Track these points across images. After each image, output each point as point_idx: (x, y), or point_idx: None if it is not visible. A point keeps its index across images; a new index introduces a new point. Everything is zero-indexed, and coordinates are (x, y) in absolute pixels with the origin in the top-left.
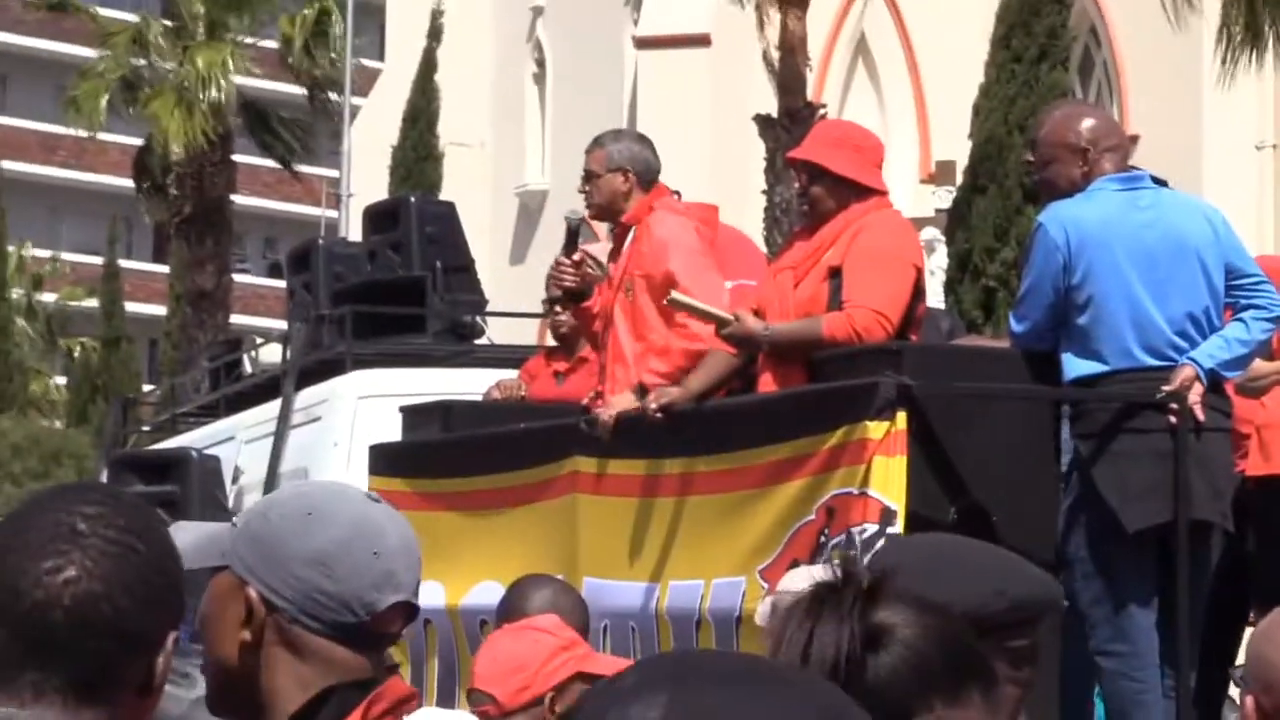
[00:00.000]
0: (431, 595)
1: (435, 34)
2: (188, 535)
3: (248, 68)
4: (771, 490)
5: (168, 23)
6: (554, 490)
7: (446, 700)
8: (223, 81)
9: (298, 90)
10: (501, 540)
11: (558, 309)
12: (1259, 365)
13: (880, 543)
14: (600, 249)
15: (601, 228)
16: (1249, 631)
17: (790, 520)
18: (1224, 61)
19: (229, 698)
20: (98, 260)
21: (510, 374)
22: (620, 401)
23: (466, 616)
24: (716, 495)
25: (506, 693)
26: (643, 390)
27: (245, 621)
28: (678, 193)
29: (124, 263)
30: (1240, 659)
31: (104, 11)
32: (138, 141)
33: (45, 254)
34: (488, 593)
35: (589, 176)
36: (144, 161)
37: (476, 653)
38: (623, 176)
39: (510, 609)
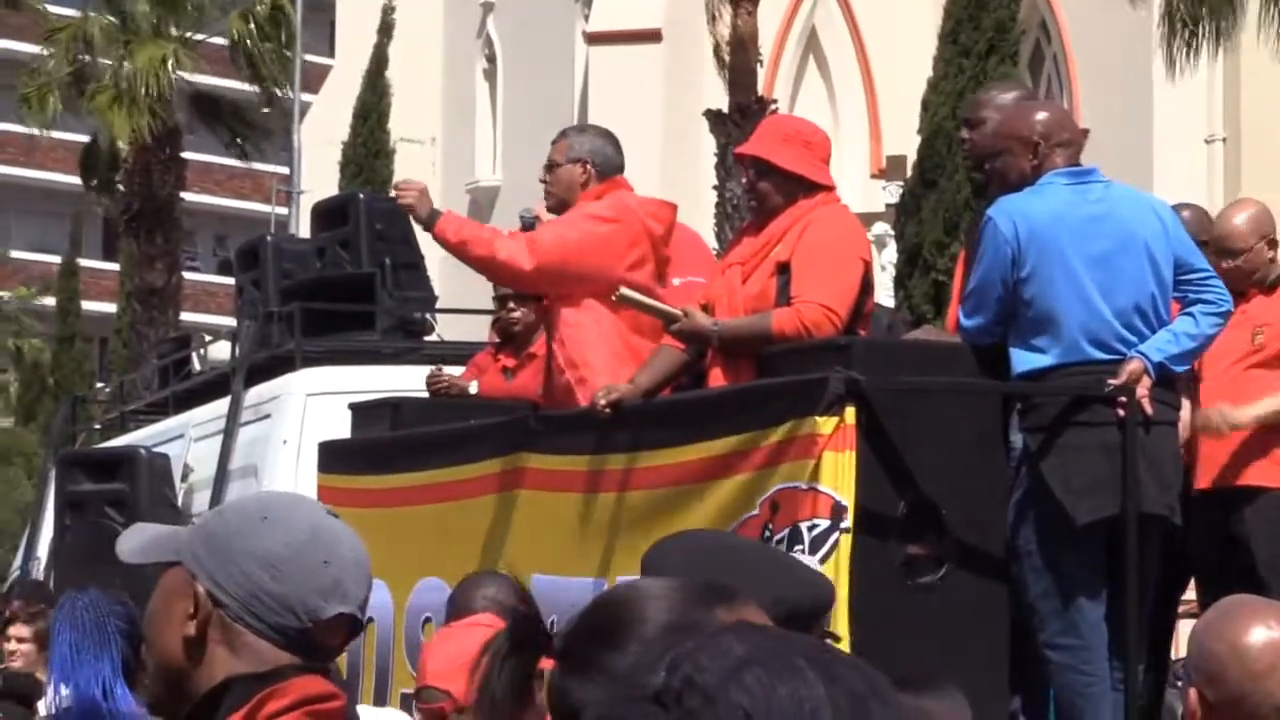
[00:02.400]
0: (376, 593)
1: (386, 30)
2: (143, 535)
3: (194, 64)
4: (716, 484)
5: (112, 19)
6: (502, 486)
7: (380, 698)
8: (163, 78)
9: (248, 87)
10: (447, 537)
11: (511, 305)
12: (1239, 413)
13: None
14: None
15: None
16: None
17: (735, 514)
18: (1169, 55)
19: (169, 696)
20: (47, 258)
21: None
22: (618, 388)
23: (410, 614)
24: (661, 489)
25: (462, 689)
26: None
27: (191, 615)
28: (631, 190)
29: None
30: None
31: (53, 9)
32: (86, 138)
33: None
34: (431, 589)
35: (551, 167)
36: (90, 158)
37: (424, 650)
38: (581, 168)
39: (459, 605)
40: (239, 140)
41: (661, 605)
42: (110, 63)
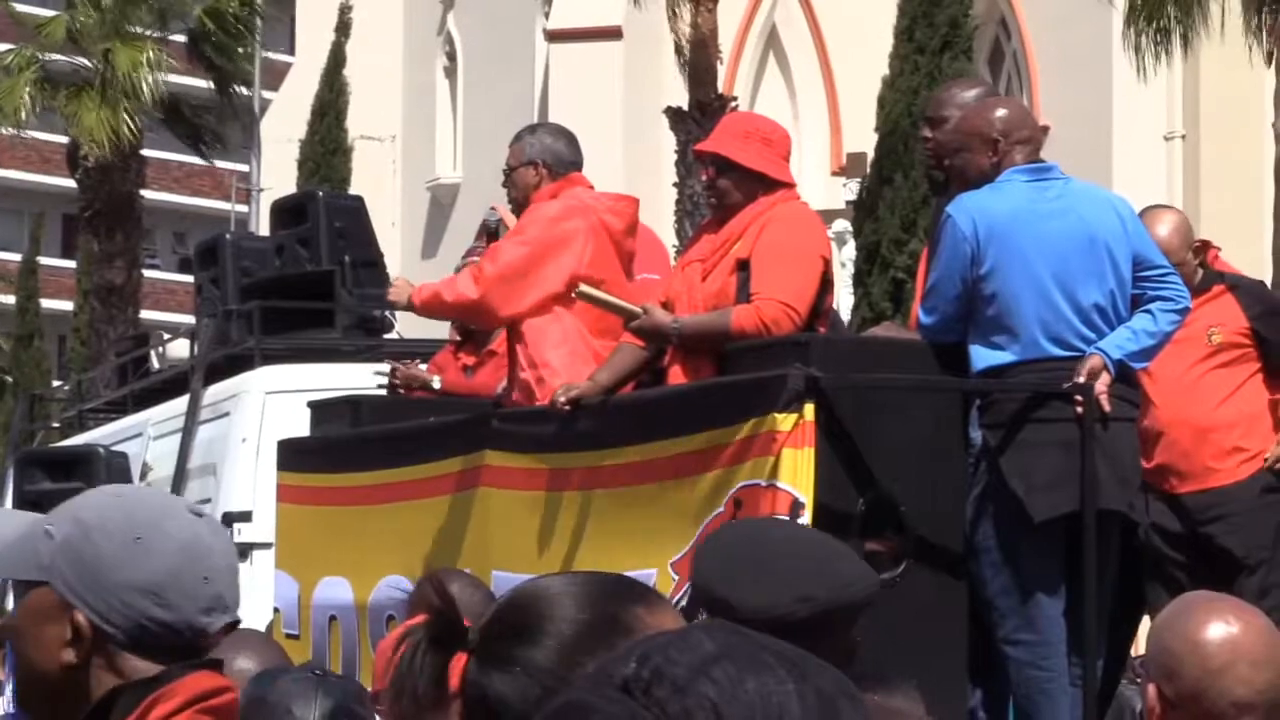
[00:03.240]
0: (338, 591)
1: (343, 28)
2: None
3: (164, 62)
4: (682, 483)
5: (83, 18)
6: (462, 484)
7: None
8: (146, 81)
9: (207, 84)
10: (409, 535)
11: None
12: None
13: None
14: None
15: None
16: (1146, 621)
17: (702, 513)
18: (1131, 53)
19: (43, 705)
20: (4, 256)
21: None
22: (576, 386)
23: (373, 611)
24: (626, 488)
25: None
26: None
27: (69, 642)
28: (590, 186)
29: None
30: (1136, 649)
31: (19, 7)
32: (48, 137)
33: None
34: (393, 588)
35: (508, 171)
36: (75, 157)
37: (379, 651)
38: (534, 169)
39: (416, 604)
40: (202, 143)
41: (574, 601)
42: (87, 63)
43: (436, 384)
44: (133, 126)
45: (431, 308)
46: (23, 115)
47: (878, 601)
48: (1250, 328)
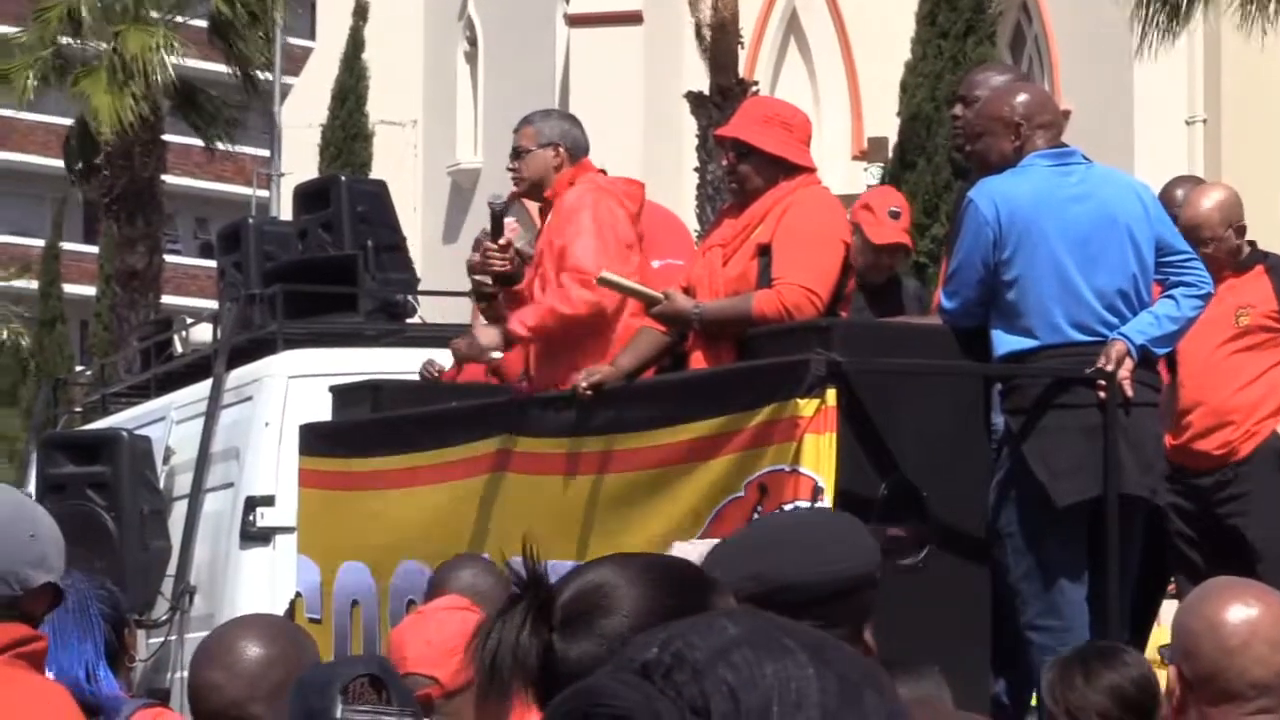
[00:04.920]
0: (359, 575)
1: (361, 12)
2: None
3: (177, 47)
4: (697, 466)
5: (97, 2)
6: (481, 468)
7: None
8: (156, 65)
9: (227, 69)
10: (428, 519)
11: (493, 294)
12: None
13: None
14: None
15: (535, 209)
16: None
17: (717, 496)
18: (1150, 36)
19: None
20: (26, 241)
21: (443, 352)
22: (599, 370)
23: (393, 596)
24: (645, 471)
25: (448, 674)
26: (508, 341)
27: None
28: (603, 170)
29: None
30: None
31: None
32: (67, 121)
33: None
34: (413, 573)
35: (517, 153)
36: (73, 142)
37: (395, 635)
38: (554, 151)
39: (436, 589)
40: (216, 137)
41: (654, 586)
42: (98, 45)
43: (498, 355)
44: (139, 110)
45: (539, 334)
46: (30, 95)
47: (866, 586)
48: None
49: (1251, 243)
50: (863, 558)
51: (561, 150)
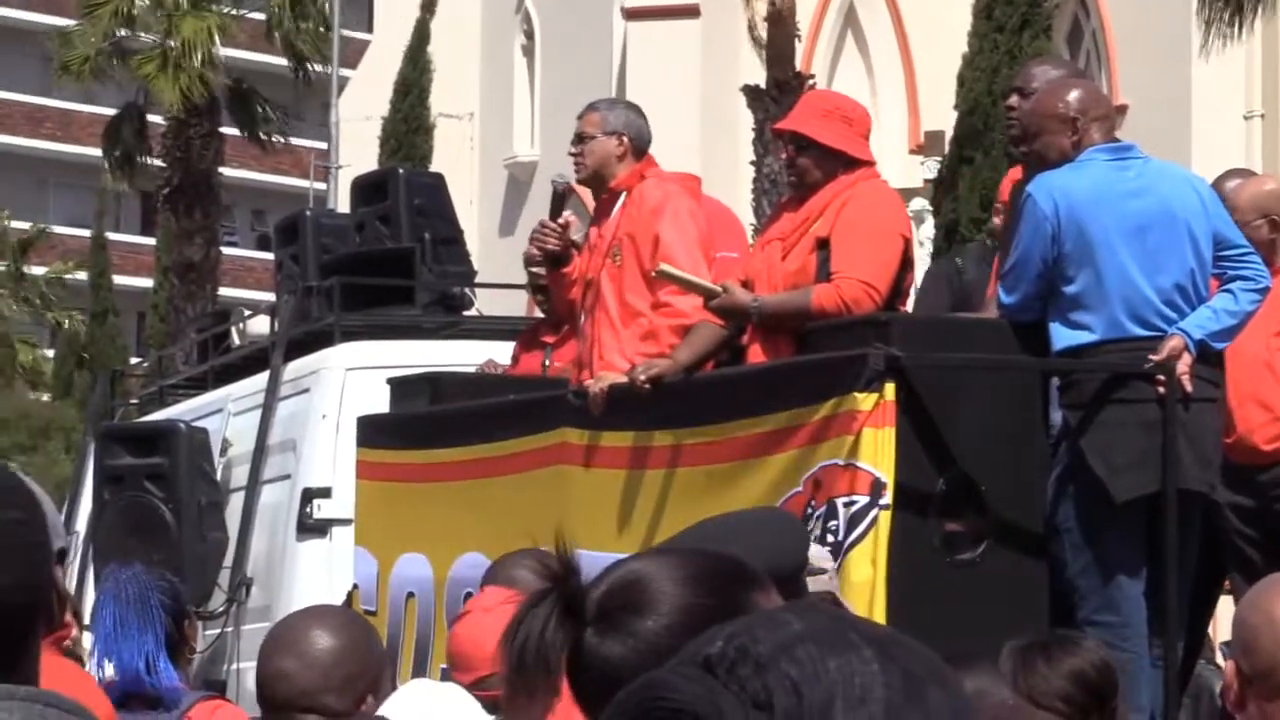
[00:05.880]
0: (417, 567)
1: (429, 4)
2: None
3: (232, 32)
4: (760, 461)
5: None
6: (542, 462)
7: (419, 671)
8: (209, 49)
9: (283, 62)
10: (488, 512)
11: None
12: None
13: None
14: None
15: (588, 197)
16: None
17: (779, 492)
18: (1207, 27)
19: None
20: (83, 233)
21: (503, 347)
22: (609, 375)
23: (451, 588)
24: (704, 467)
25: None
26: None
27: None
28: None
29: (112, 235)
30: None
31: None
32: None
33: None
34: (473, 565)
35: (580, 139)
36: (116, 132)
37: (459, 630)
38: (617, 140)
39: (494, 582)
40: (270, 132)
41: (694, 583)
42: (151, 37)
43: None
44: (199, 90)
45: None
46: (88, 79)
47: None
48: None
49: None
50: (794, 547)
51: (625, 140)
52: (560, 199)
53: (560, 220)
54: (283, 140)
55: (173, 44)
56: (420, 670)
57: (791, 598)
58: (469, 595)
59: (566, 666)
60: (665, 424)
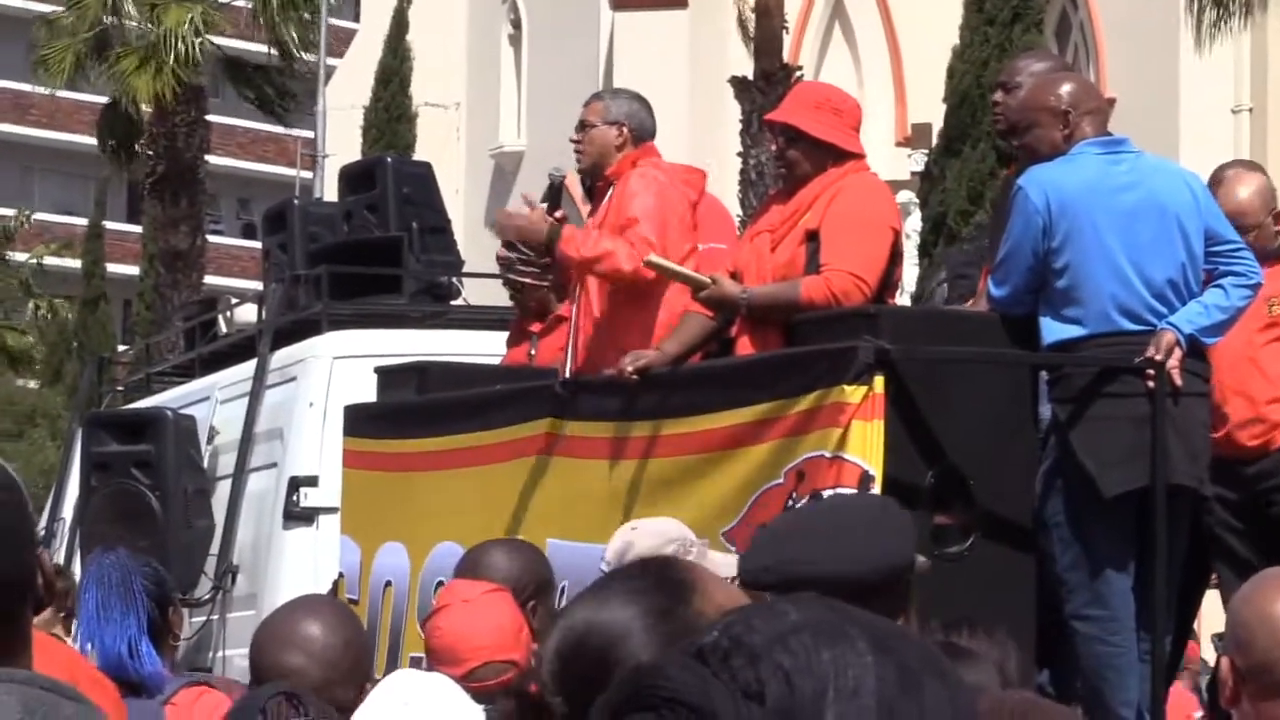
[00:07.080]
0: (396, 557)
1: None
2: None
3: (218, 24)
4: (738, 452)
5: None
6: (526, 451)
7: (392, 661)
8: (192, 40)
9: (270, 50)
10: (466, 501)
11: (520, 285)
12: None
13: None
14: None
15: (578, 194)
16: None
17: (757, 482)
18: (1197, 25)
19: None
20: (71, 220)
21: (490, 337)
22: (645, 353)
23: (425, 578)
24: (683, 457)
25: (523, 654)
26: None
27: None
28: (659, 156)
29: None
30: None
31: None
32: (108, 101)
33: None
34: (448, 554)
35: (583, 126)
36: (110, 121)
37: (438, 623)
38: (617, 130)
39: (468, 572)
40: (276, 106)
41: (647, 639)
42: (135, 24)
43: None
44: (175, 87)
45: (590, 268)
46: (66, 77)
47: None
48: None
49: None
50: (892, 551)
51: (625, 130)
52: (556, 191)
53: (557, 214)
54: (273, 126)
55: (151, 27)
56: (393, 660)
57: (896, 598)
58: (439, 584)
59: None
60: (652, 415)
